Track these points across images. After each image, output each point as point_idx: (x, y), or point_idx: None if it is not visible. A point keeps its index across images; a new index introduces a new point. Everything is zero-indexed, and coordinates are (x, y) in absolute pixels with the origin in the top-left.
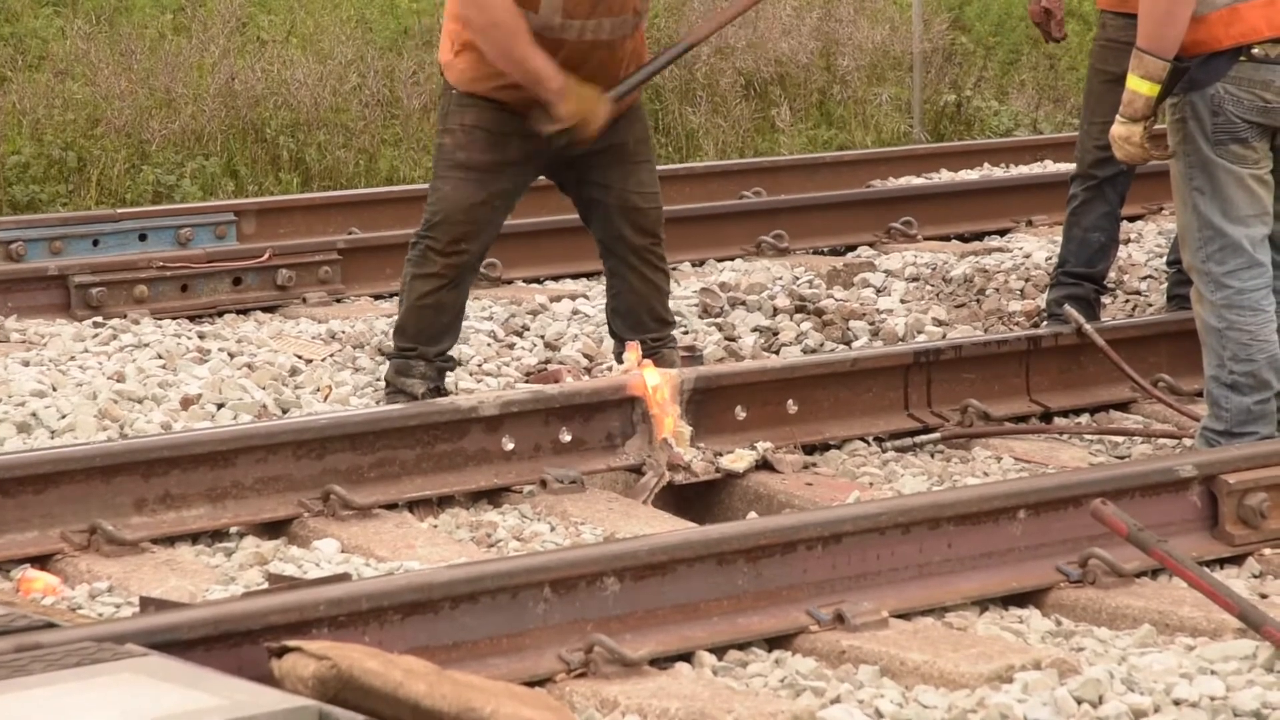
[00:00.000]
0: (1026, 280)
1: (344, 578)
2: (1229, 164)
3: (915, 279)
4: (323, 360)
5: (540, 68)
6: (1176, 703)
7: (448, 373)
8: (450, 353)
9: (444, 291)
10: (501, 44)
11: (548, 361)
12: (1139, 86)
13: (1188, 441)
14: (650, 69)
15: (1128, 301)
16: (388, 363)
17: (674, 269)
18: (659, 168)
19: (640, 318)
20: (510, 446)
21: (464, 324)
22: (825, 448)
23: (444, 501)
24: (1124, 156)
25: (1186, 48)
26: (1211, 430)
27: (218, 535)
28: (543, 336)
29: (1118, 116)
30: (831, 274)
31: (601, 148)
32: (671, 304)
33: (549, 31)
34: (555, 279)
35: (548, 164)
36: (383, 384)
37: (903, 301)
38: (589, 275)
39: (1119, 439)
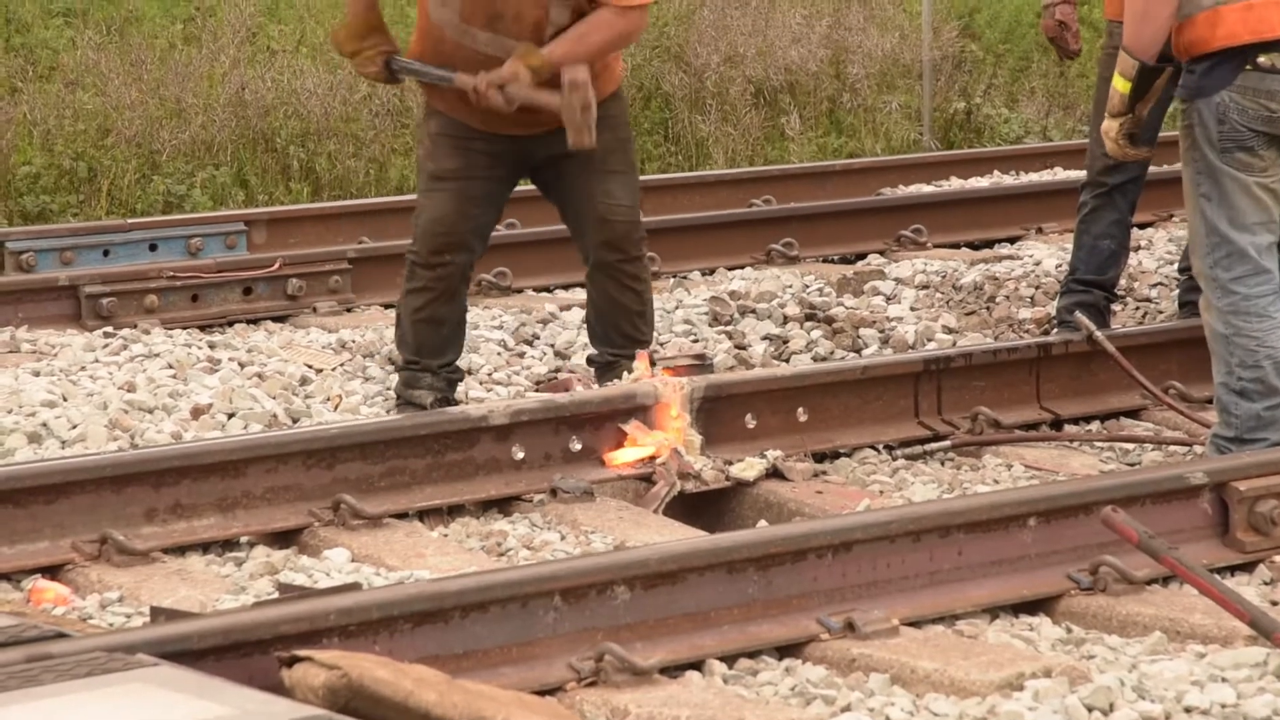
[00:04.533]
0: (1037, 288)
1: (354, 587)
2: (1235, 171)
3: (925, 286)
4: (333, 370)
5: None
6: (1188, 710)
7: (457, 383)
8: (457, 364)
9: (436, 305)
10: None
11: (558, 370)
12: (1117, 83)
13: (1198, 448)
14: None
15: (1138, 309)
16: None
17: (684, 277)
18: (669, 175)
19: (608, 334)
20: (520, 455)
21: (474, 333)
22: (835, 456)
23: (454, 510)
24: (1108, 151)
25: (1184, 51)
26: (1222, 437)
27: (228, 545)
28: (553, 345)
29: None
30: (841, 282)
31: (570, 152)
32: (681, 312)
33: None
34: (565, 288)
35: (521, 168)
36: (393, 394)
37: (913, 309)
38: None
39: (1130, 446)
